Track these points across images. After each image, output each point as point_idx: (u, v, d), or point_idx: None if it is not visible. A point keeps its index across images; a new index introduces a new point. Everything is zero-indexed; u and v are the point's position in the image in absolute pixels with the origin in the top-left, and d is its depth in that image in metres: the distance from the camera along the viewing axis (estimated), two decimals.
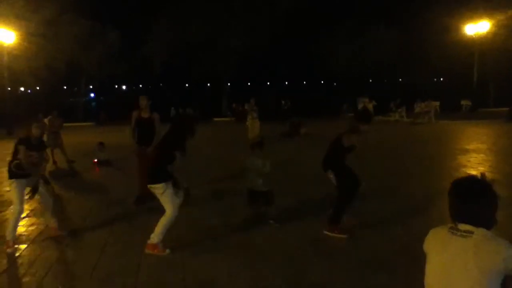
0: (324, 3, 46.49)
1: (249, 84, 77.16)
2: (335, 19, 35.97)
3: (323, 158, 4.58)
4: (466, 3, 23.97)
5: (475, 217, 1.58)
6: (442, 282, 1.59)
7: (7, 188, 7.24)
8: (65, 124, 11.48)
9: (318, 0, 40.21)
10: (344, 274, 3.47)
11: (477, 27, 23.48)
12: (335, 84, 59.73)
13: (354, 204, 4.65)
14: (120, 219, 5.22)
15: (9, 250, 4.19)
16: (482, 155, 9.47)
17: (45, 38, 22.91)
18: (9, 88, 21.35)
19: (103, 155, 9.65)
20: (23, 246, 4.36)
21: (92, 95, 59.50)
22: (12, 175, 4.30)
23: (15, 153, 4.32)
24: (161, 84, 72.93)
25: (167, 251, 3.99)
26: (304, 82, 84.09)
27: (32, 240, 4.55)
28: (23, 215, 4.84)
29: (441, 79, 59.09)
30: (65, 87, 45.67)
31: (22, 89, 37.46)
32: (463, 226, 1.59)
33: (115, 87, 71.99)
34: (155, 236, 3.94)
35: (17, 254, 4.16)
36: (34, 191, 4.45)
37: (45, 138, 7.16)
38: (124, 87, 76.87)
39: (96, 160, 9.51)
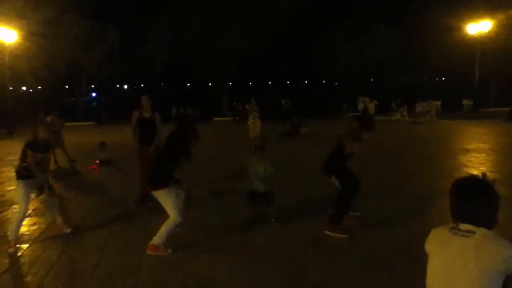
0: (324, 3, 46.52)
1: (249, 84, 77.12)
2: (335, 19, 35.98)
3: (324, 163, 4.62)
4: (466, 3, 23.94)
5: (476, 217, 1.58)
6: (442, 282, 1.59)
7: (9, 188, 7.27)
8: (66, 124, 11.49)
9: (318, 0, 40.23)
10: (344, 274, 3.47)
11: (479, 27, 23.45)
12: (335, 84, 59.69)
13: (354, 203, 4.67)
14: (120, 219, 5.22)
15: (10, 250, 4.21)
16: (483, 154, 9.47)
17: (45, 38, 22.90)
18: (10, 88, 21.35)
19: (104, 155, 9.64)
20: (24, 246, 4.37)
21: (93, 94, 59.53)
22: (19, 176, 4.42)
23: (23, 156, 4.41)
24: (162, 84, 72.93)
25: (169, 250, 3.99)
26: (305, 82, 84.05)
27: (33, 240, 4.56)
28: None
29: (442, 78, 59.06)
30: (66, 87, 45.71)
31: (24, 88, 37.50)
32: (464, 226, 1.59)
33: (116, 87, 71.99)
34: (158, 238, 3.95)
35: (18, 254, 4.17)
36: (40, 190, 4.54)
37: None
38: (125, 86, 76.91)
39: (98, 162, 9.50)
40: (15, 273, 3.79)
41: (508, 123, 17.16)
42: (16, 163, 4.52)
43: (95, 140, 10.84)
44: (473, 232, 1.55)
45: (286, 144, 12.54)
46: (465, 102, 25.30)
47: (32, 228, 4.97)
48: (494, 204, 1.60)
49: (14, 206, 6.01)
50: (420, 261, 1.85)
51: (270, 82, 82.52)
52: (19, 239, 4.48)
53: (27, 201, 4.41)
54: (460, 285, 1.52)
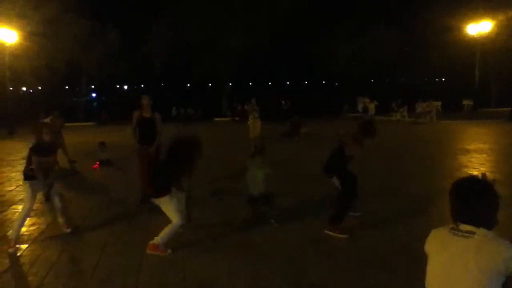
0: (324, 3, 46.39)
1: (249, 84, 77.09)
2: (335, 19, 35.91)
3: (325, 164, 4.64)
4: (466, 3, 23.94)
5: (476, 217, 1.58)
6: (442, 282, 1.59)
7: (9, 188, 7.27)
8: (66, 124, 11.49)
9: (318, 0, 40.14)
10: (344, 274, 3.47)
11: (479, 27, 23.45)
12: (335, 84, 59.67)
13: (354, 204, 4.68)
14: (120, 219, 5.22)
15: (10, 250, 4.21)
16: (483, 155, 9.47)
17: (45, 38, 22.91)
18: (11, 88, 21.35)
19: (104, 155, 9.64)
20: (24, 246, 4.37)
21: (93, 95, 59.53)
22: (26, 177, 4.46)
23: (29, 160, 4.44)
24: (162, 84, 72.92)
25: (169, 251, 4.00)
26: (305, 82, 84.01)
27: (33, 240, 4.56)
28: None
29: (443, 79, 59.00)
30: (66, 87, 45.71)
31: (24, 88, 37.50)
32: (464, 227, 1.59)
33: (116, 87, 72.01)
34: (159, 238, 3.97)
35: (18, 254, 4.17)
36: (49, 190, 4.62)
37: None
38: (125, 87, 76.91)
39: (98, 162, 9.49)
40: (15, 273, 3.79)
41: (509, 123, 17.16)
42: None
43: (95, 140, 10.83)
44: (473, 233, 1.55)
45: (286, 144, 12.54)
46: (465, 102, 25.31)
47: (32, 228, 4.97)
48: (494, 205, 1.60)
49: (14, 206, 6.03)
50: (420, 261, 1.85)
51: (270, 82, 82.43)
52: (19, 239, 4.48)
53: (33, 202, 4.45)
54: (460, 285, 1.52)
